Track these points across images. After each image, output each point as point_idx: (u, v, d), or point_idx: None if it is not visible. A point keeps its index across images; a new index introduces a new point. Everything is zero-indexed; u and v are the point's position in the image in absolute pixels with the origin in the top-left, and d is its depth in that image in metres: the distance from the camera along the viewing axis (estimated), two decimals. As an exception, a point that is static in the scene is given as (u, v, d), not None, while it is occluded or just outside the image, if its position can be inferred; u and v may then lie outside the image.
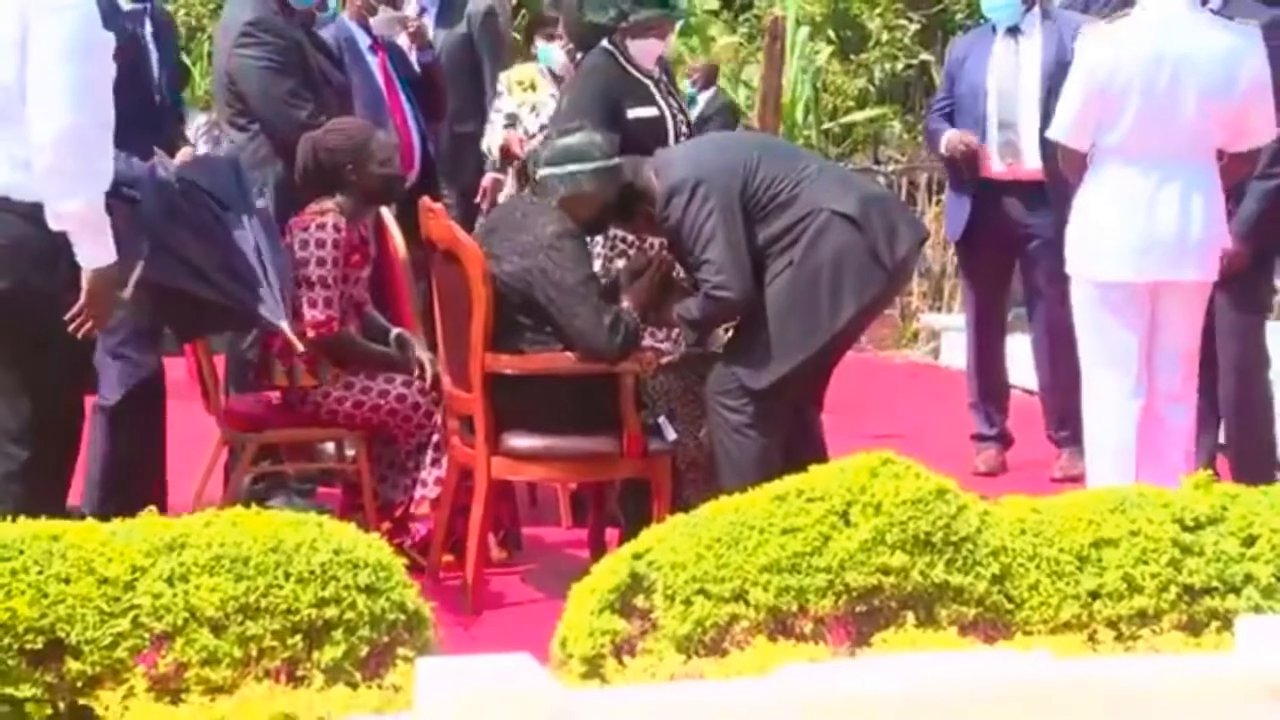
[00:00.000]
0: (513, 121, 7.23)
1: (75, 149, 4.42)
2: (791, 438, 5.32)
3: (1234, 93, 5.27)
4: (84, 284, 4.48)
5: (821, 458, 4.88)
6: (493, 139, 7.29)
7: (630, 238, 6.01)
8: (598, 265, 5.87)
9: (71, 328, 4.48)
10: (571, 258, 5.07)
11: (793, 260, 5.23)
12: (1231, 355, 5.93)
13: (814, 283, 5.21)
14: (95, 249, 4.49)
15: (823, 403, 5.60)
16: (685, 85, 9.52)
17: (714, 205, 5.19)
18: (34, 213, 4.47)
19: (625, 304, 5.28)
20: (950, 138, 6.80)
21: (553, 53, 7.36)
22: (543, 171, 5.27)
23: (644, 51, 6.16)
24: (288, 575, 3.38)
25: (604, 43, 6.20)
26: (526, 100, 7.35)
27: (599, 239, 5.98)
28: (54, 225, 4.45)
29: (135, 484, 5.29)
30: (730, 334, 5.59)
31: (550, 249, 5.05)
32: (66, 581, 3.28)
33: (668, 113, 6.15)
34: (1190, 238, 5.29)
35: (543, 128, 6.85)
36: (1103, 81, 5.23)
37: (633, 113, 6.05)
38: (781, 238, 5.24)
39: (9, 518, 3.45)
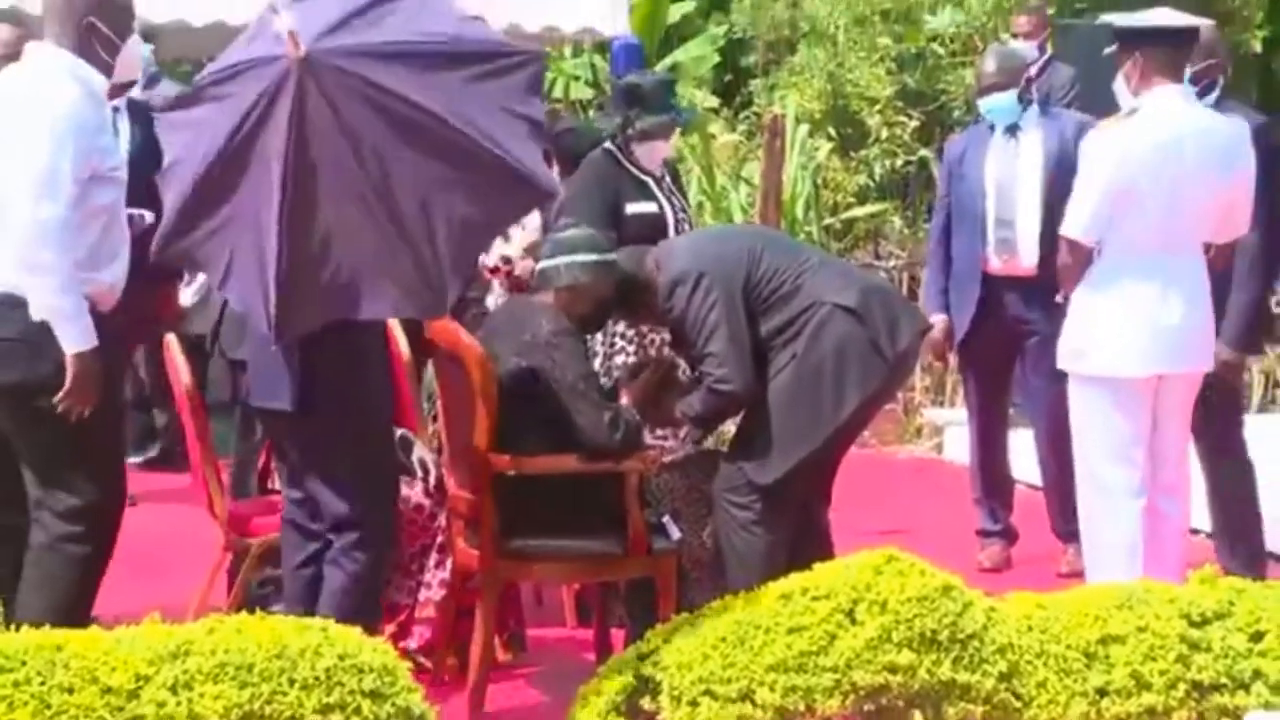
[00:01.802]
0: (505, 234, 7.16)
1: (44, 242, 4.52)
2: (798, 535, 5.31)
3: (1229, 186, 5.33)
4: (68, 368, 4.54)
5: (827, 555, 4.88)
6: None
7: (630, 333, 6.03)
8: (597, 363, 5.88)
9: (60, 410, 4.54)
10: (570, 355, 5.08)
11: (795, 354, 5.25)
12: (1222, 461, 6.04)
13: (817, 375, 5.22)
14: (73, 335, 4.57)
15: (829, 498, 5.59)
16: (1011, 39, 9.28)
17: (717, 297, 5.21)
18: None
19: (624, 401, 5.29)
20: (934, 340, 6.76)
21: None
22: (540, 264, 5.30)
23: (649, 154, 6.22)
24: (292, 681, 3.37)
25: (606, 143, 6.26)
26: None
27: (598, 336, 5.99)
28: (32, 313, 4.54)
29: None
30: (735, 430, 5.59)
31: (548, 346, 5.06)
32: (70, 691, 3.27)
33: (668, 209, 6.19)
34: (1195, 329, 5.35)
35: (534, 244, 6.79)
36: (1121, 178, 5.23)
37: (631, 208, 6.10)
38: (784, 330, 5.26)
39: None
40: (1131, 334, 5.29)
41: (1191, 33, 5.36)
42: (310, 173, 4.18)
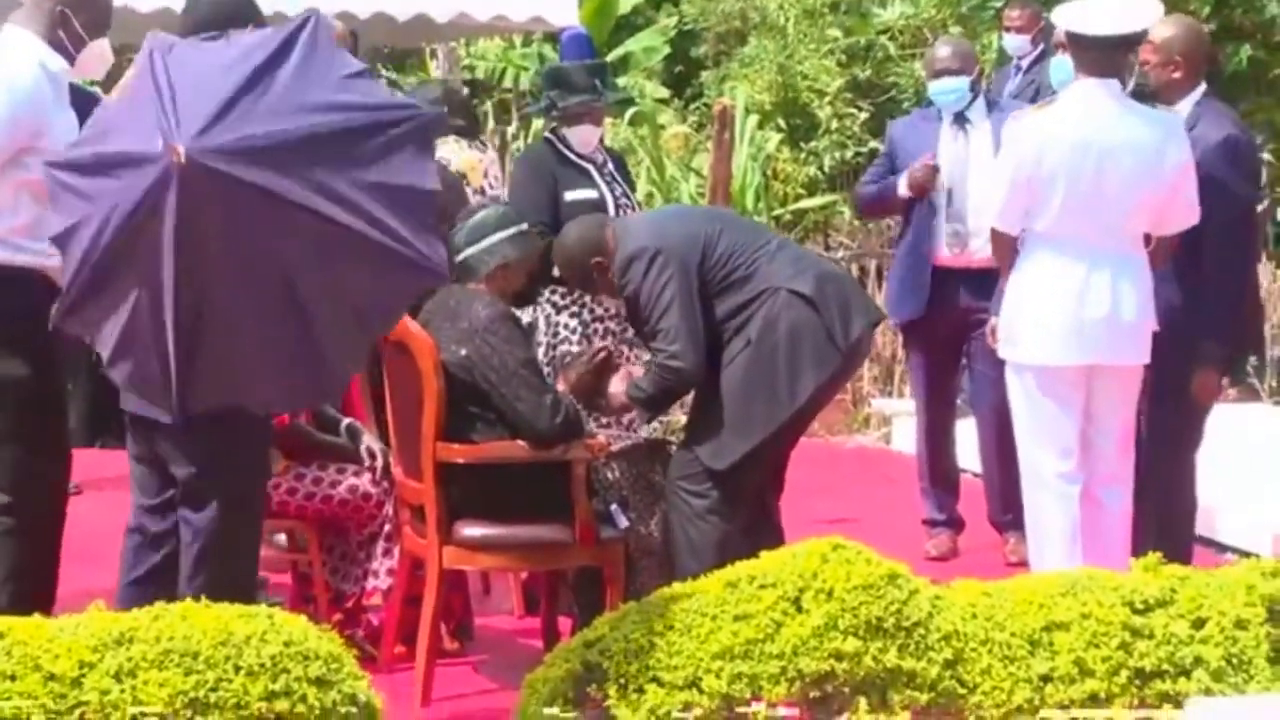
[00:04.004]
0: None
1: None
2: (753, 525, 5.32)
3: (1159, 180, 5.31)
4: None
5: (780, 545, 4.88)
6: None
7: (574, 323, 6.03)
8: (541, 352, 5.88)
9: None
10: (508, 340, 5.07)
11: (750, 339, 5.25)
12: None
13: (772, 361, 5.23)
14: None
15: (782, 487, 5.60)
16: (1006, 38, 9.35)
17: (671, 274, 5.22)
18: None
19: (560, 388, 5.29)
20: (911, 171, 6.70)
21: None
22: (462, 255, 5.24)
23: (581, 138, 6.24)
24: (238, 669, 3.37)
25: (545, 134, 6.31)
26: None
27: (541, 323, 6.00)
28: None
29: None
30: (689, 417, 5.60)
31: (486, 333, 5.04)
32: (12, 679, 3.26)
33: (608, 195, 6.21)
34: (1122, 321, 5.32)
35: None
36: (1030, 169, 5.29)
37: (570, 194, 6.12)
38: (739, 313, 5.27)
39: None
40: (1053, 323, 5.31)
41: (1123, 38, 5.34)
42: (199, 269, 4.15)
